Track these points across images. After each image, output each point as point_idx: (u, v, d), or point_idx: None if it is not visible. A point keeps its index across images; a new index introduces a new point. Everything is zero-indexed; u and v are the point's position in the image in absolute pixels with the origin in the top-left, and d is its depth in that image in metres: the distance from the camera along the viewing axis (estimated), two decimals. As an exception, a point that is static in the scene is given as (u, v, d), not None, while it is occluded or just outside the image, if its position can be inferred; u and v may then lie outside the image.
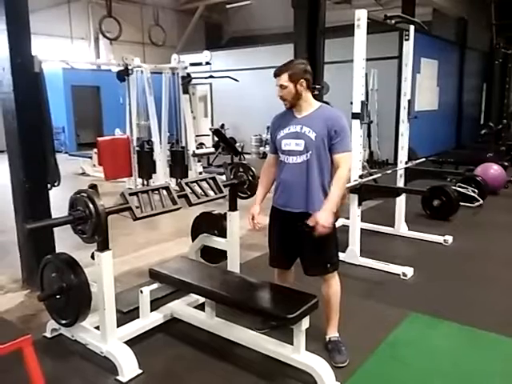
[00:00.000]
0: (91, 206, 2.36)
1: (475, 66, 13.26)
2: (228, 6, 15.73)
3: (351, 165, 2.58)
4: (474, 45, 12.73)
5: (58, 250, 3.48)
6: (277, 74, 2.53)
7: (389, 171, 4.95)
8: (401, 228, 5.00)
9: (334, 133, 2.49)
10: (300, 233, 2.60)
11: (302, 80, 2.51)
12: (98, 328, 2.68)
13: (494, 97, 10.91)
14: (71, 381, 2.53)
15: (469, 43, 12.54)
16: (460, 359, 2.70)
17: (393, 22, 4.39)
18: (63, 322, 2.71)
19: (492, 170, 6.82)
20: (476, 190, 6.19)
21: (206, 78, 8.78)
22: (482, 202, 6.16)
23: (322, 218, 2.39)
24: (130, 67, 6.48)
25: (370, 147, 9.37)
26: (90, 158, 9.59)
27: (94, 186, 2.47)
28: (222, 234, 3.39)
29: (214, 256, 3.52)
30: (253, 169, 3.26)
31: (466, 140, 12.60)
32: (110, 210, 2.48)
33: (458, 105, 12.80)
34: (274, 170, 2.76)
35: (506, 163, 7.45)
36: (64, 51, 12.95)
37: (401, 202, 4.95)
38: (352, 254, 4.15)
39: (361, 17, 3.87)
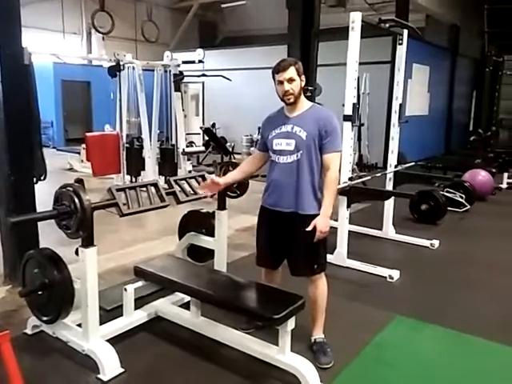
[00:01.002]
0: (77, 200, 2.32)
1: (466, 73, 13.39)
2: (223, 6, 15.70)
3: (340, 165, 2.57)
4: (466, 52, 12.85)
5: (41, 246, 3.42)
6: (285, 68, 2.46)
7: (378, 174, 4.97)
8: (388, 231, 5.02)
9: (325, 133, 2.49)
10: (288, 233, 2.59)
11: (303, 76, 2.53)
12: (80, 325, 2.63)
13: (483, 104, 11.03)
14: (51, 378, 2.49)
15: (460, 50, 12.65)
16: (444, 362, 2.70)
17: (387, 25, 4.41)
18: (45, 318, 2.66)
19: (480, 177, 6.88)
20: (464, 196, 6.24)
21: (198, 76, 8.73)
22: (469, 207, 6.21)
23: (320, 224, 2.43)
24: (121, 63, 6.41)
25: (359, 150, 9.41)
26: (78, 153, 9.49)
27: (80, 181, 2.44)
28: (210, 232, 3.36)
29: (201, 255, 3.49)
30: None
31: (455, 146, 12.70)
32: (96, 206, 2.44)
33: (448, 111, 12.91)
34: (258, 165, 2.79)
35: (493, 170, 7.52)
36: (56, 46, 12.80)
37: (389, 205, 4.96)
38: (339, 256, 4.15)
39: (355, 19, 3.87)
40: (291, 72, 2.46)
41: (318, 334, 2.74)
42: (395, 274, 3.90)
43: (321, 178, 2.56)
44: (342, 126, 3.39)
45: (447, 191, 6.23)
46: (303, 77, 2.54)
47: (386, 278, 3.88)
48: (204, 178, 3.09)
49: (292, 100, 2.51)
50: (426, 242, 4.80)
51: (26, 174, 3.57)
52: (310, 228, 2.43)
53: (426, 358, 2.74)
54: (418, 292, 3.69)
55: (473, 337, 2.94)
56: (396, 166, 4.90)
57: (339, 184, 4.01)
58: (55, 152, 11.59)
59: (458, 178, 6.76)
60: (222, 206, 3.27)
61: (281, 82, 2.49)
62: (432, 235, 4.98)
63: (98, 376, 2.43)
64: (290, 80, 2.47)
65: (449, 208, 5.79)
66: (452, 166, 8.50)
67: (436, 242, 4.78)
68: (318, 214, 2.54)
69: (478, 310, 3.39)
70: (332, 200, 2.51)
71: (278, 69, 2.49)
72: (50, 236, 3.50)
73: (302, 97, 2.58)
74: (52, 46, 12.36)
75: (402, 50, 4.67)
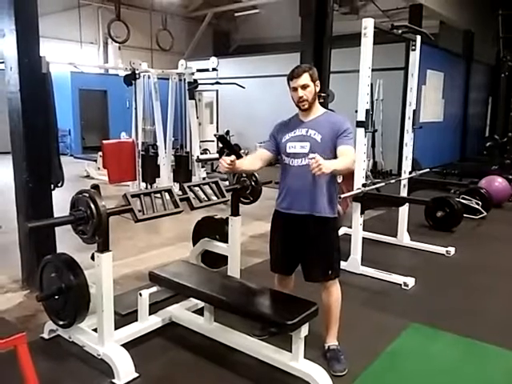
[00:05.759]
0: (93, 206, 2.36)
1: (481, 79, 13.25)
2: (236, 15, 15.85)
3: (355, 159, 2.52)
4: (481, 58, 12.73)
5: (59, 251, 3.48)
6: (299, 74, 2.49)
7: (392, 180, 4.93)
8: (403, 238, 4.97)
9: (340, 133, 2.50)
10: (303, 236, 2.60)
11: (317, 81, 2.56)
12: (95, 330, 2.66)
13: (499, 110, 10.89)
14: (67, 382, 2.51)
15: (475, 56, 12.54)
16: (459, 371, 2.66)
17: (399, 31, 4.40)
18: (61, 323, 2.70)
19: (496, 183, 6.79)
20: (480, 202, 6.16)
21: (212, 84, 8.81)
22: (485, 214, 6.13)
23: (323, 161, 2.18)
24: (137, 72, 6.51)
25: (374, 157, 9.36)
26: (95, 161, 9.61)
27: (96, 187, 2.47)
28: (224, 238, 3.38)
29: (215, 261, 3.51)
30: (256, 174, 3.25)
31: (470, 152, 12.56)
32: (112, 211, 2.47)
33: (463, 117, 12.78)
34: (262, 163, 2.69)
35: (510, 176, 7.41)
36: (73, 55, 13.04)
37: (404, 211, 4.92)
38: (353, 263, 4.12)
39: (368, 25, 3.88)
40: (305, 78, 2.50)
41: (332, 341, 2.72)
42: (410, 281, 3.85)
43: (336, 182, 2.58)
44: (355, 132, 3.39)
45: (463, 198, 6.15)
46: (318, 82, 2.56)
47: (400, 285, 3.84)
48: (218, 185, 3.11)
49: (306, 106, 2.54)
50: (441, 250, 4.74)
51: (44, 180, 3.63)
52: (312, 155, 2.25)
53: (441, 366, 2.70)
54: (434, 300, 3.64)
55: (488, 345, 2.89)
56: (410, 173, 4.87)
57: (353, 190, 4.01)
58: (72, 160, 11.72)
59: (473, 185, 6.67)
60: (235, 212, 3.29)
61: (295, 89, 2.52)
62: (448, 242, 4.91)
63: (113, 380, 2.45)
64: (304, 86, 2.50)
65: (465, 215, 5.71)
66: (468, 172, 8.40)
67: (452, 250, 4.72)
68: (333, 217, 2.58)
69: (494, 318, 3.34)
70: (341, 165, 2.35)
71: (292, 75, 2.53)
72: (67, 241, 3.55)
73: (317, 102, 2.61)
74: (69, 56, 12.60)
75: (415, 56, 4.65)
